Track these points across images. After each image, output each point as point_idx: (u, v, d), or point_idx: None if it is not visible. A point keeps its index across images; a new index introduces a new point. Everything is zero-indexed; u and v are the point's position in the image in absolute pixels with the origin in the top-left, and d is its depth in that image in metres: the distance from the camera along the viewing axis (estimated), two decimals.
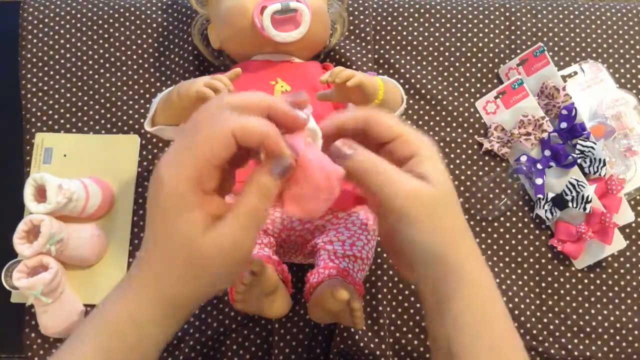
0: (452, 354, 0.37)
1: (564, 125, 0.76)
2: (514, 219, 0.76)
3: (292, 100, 0.36)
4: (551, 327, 0.72)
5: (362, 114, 0.39)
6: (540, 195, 0.74)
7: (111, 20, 0.82)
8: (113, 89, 0.79)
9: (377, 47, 0.82)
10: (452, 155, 0.78)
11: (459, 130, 0.79)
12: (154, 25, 0.82)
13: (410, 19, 0.84)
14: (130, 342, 0.35)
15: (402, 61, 0.81)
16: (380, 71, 0.81)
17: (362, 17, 0.82)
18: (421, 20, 0.84)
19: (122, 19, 0.82)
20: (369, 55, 0.80)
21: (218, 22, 0.69)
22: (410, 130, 0.39)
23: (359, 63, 0.79)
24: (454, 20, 0.84)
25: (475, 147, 0.79)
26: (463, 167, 0.78)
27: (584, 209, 0.72)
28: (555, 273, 0.74)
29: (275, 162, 0.34)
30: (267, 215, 0.36)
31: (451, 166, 0.77)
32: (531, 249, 0.75)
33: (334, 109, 0.69)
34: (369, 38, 0.81)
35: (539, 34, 0.83)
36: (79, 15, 0.82)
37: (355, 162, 0.37)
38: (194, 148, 0.33)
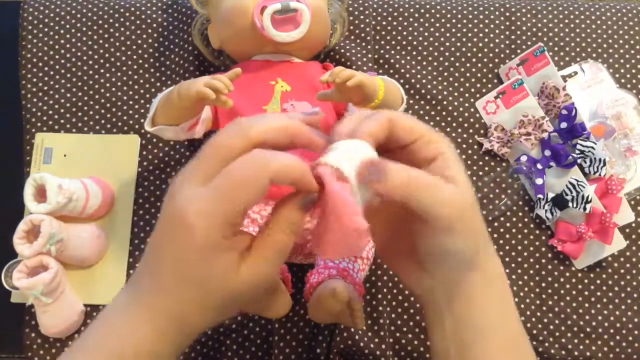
0: (464, 357, 0.37)
1: (564, 125, 0.76)
2: (514, 219, 0.76)
3: (306, 119, 0.35)
4: (551, 327, 0.72)
5: (384, 118, 0.36)
6: (540, 195, 0.74)
7: (111, 20, 0.82)
8: (113, 89, 0.80)
9: (377, 47, 0.82)
10: None
11: (459, 130, 0.79)
12: (154, 25, 0.82)
13: (410, 19, 0.84)
14: None
15: (402, 61, 0.81)
16: (380, 71, 0.81)
17: (362, 17, 0.82)
18: (421, 20, 0.84)
19: (122, 19, 0.82)
20: (369, 55, 0.80)
21: (218, 22, 0.69)
22: (430, 129, 0.37)
23: (359, 63, 0.79)
24: (454, 20, 0.84)
25: (475, 147, 0.79)
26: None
27: (584, 209, 0.72)
28: (555, 273, 0.74)
29: (304, 196, 0.34)
30: (292, 246, 0.36)
31: None
32: (531, 249, 0.75)
33: (333, 109, 0.69)
34: (369, 38, 0.81)
35: (539, 34, 0.83)
36: (79, 15, 0.82)
37: (390, 184, 0.34)
38: (229, 197, 0.31)
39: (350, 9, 0.82)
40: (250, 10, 0.63)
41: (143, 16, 0.83)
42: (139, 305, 0.35)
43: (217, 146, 0.33)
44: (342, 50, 0.79)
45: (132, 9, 0.83)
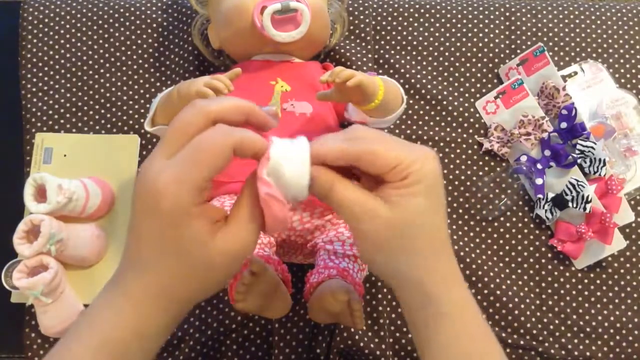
0: None
1: (564, 125, 0.76)
2: (514, 219, 0.76)
3: (266, 112, 0.38)
4: (551, 327, 0.72)
5: (353, 151, 0.36)
6: (540, 195, 0.74)
7: (111, 20, 0.82)
8: (113, 89, 0.79)
9: (377, 47, 0.82)
10: (452, 155, 0.78)
11: (459, 130, 0.79)
12: (154, 25, 0.82)
13: (410, 19, 0.84)
14: (133, 354, 0.36)
15: (402, 61, 0.81)
16: (380, 71, 0.81)
17: (362, 17, 0.82)
18: (421, 20, 0.84)
19: (122, 19, 0.82)
20: (369, 55, 0.80)
21: (218, 22, 0.69)
22: (406, 153, 0.36)
23: (359, 63, 0.79)
24: (454, 20, 0.84)
25: (475, 147, 0.79)
26: (463, 167, 0.78)
27: (584, 209, 0.72)
28: (555, 273, 0.74)
29: None
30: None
31: (451, 166, 0.77)
32: (531, 249, 0.75)
33: (333, 108, 0.69)
34: (369, 38, 0.81)
35: (539, 34, 0.83)
36: (79, 15, 0.82)
37: (313, 185, 0.37)
38: (195, 163, 0.33)
39: (350, 9, 0.82)
40: (250, 10, 0.63)
41: (143, 16, 0.83)
42: (123, 293, 0.36)
43: (180, 124, 0.35)
44: (342, 50, 0.79)
45: (132, 9, 0.83)
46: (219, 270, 0.36)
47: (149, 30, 0.82)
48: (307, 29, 0.63)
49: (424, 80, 0.80)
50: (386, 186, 0.37)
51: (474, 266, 0.73)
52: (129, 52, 0.81)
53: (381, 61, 0.82)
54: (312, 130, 0.65)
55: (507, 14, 0.84)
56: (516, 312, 0.72)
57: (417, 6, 0.84)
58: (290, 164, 0.35)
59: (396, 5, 0.84)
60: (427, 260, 0.38)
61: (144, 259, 0.35)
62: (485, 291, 0.73)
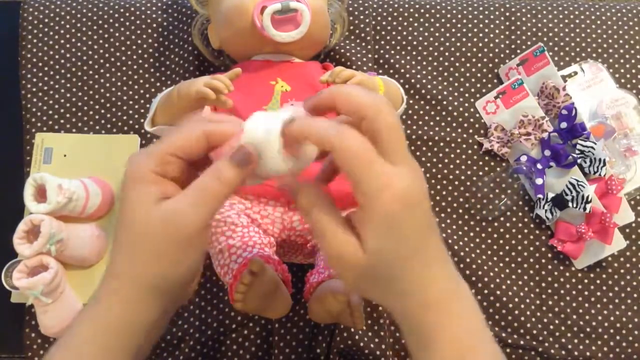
0: None
1: (564, 125, 0.76)
2: (514, 219, 0.76)
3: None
4: (551, 327, 0.72)
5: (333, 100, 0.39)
6: (540, 195, 0.74)
7: (111, 20, 0.82)
8: (113, 89, 0.80)
9: (377, 47, 0.82)
10: (452, 155, 0.78)
11: (459, 130, 0.79)
12: (154, 25, 0.82)
13: (410, 19, 0.84)
14: (123, 341, 0.37)
15: (402, 61, 0.81)
16: (380, 71, 0.81)
17: (362, 17, 0.82)
18: (421, 20, 0.84)
19: (122, 19, 0.82)
20: (369, 55, 0.80)
21: (218, 22, 0.69)
22: (367, 173, 0.33)
23: (359, 63, 0.79)
24: (454, 20, 0.84)
25: (475, 147, 0.79)
26: (463, 167, 0.78)
27: (584, 209, 0.72)
28: (555, 273, 0.74)
29: (236, 151, 0.36)
30: (223, 200, 0.36)
31: (451, 166, 0.77)
32: (531, 249, 0.75)
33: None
34: (369, 38, 0.81)
35: (539, 34, 0.83)
36: (79, 15, 0.82)
37: (300, 202, 0.37)
38: (166, 139, 0.36)
39: (350, 9, 0.82)
40: (250, 10, 0.63)
41: (143, 16, 0.83)
42: (101, 287, 0.38)
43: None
44: (342, 50, 0.79)
45: (132, 9, 0.83)
46: (157, 239, 0.35)
47: (149, 30, 0.82)
48: (307, 29, 0.63)
49: (424, 80, 0.80)
50: (354, 212, 0.35)
51: (474, 266, 0.73)
52: (129, 52, 0.81)
53: (381, 61, 0.82)
54: None
55: (507, 14, 0.84)
56: (516, 312, 0.72)
57: (417, 6, 0.84)
58: (265, 145, 0.36)
59: (396, 5, 0.84)
60: (396, 302, 0.37)
61: (114, 243, 0.38)
62: (485, 291, 0.73)
